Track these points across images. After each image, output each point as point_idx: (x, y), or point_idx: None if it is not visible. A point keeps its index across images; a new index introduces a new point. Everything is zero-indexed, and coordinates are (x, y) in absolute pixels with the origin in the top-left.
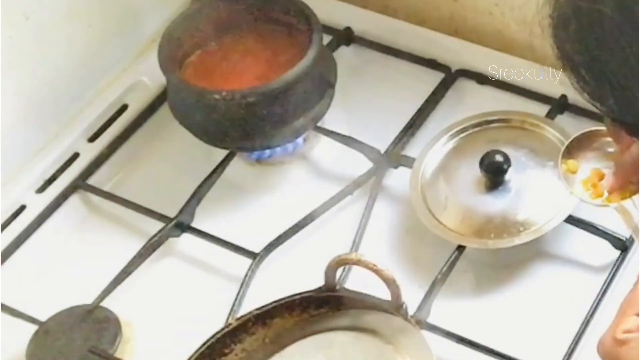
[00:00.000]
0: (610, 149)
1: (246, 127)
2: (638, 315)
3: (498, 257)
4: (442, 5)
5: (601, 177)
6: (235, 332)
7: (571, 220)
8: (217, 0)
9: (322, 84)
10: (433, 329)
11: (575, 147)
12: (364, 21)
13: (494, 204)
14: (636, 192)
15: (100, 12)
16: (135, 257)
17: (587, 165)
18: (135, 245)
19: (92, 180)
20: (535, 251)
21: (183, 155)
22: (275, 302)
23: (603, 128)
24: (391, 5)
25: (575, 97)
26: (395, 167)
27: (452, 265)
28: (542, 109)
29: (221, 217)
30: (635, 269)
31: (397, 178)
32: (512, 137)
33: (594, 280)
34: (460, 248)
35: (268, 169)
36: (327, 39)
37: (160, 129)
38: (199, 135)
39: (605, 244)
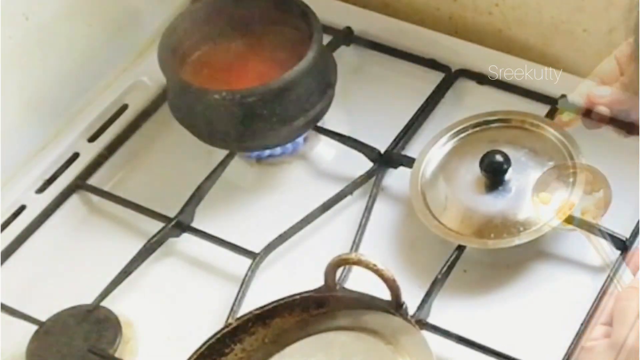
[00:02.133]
0: (571, 179)
1: (246, 127)
2: (603, 324)
3: (498, 257)
4: (442, 6)
5: (571, 206)
6: (235, 332)
7: (571, 220)
8: (217, 0)
9: (322, 84)
10: (433, 329)
11: (543, 181)
12: (364, 21)
13: (494, 204)
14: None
15: (100, 12)
16: (135, 257)
17: (558, 195)
18: (135, 245)
19: (92, 180)
20: (535, 251)
21: (183, 155)
22: (275, 302)
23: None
24: (391, 5)
25: (575, 97)
26: (395, 167)
27: (452, 265)
28: (542, 109)
29: (221, 217)
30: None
31: (397, 178)
32: (512, 137)
33: (594, 280)
34: (460, 248)
35: (268, 169)
36: (327, 39)
37: (160, 129)
38: (199, 135)
39: (605, 244)
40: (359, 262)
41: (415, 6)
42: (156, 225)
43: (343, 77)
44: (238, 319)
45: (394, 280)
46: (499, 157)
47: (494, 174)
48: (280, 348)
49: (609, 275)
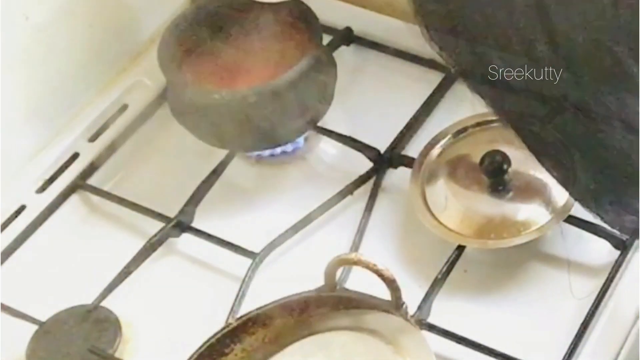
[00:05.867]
0: None
1: (246, 127)
2: None
3: (498, 257)
4: None
5: None
6: (235, 332)
7: (571, 220)
8: (217, 0)
9: (322, 84)
10: (433, 329)
11: None
12: (364, 21)
13: (494, 204)
14: None
15: (100, 12)
16: (135, 257)
17: None
18: (135, 245)
19: (92, 180)
20: (535, 251)
21: (183, 155)
22: (275, 302)
23: None
24: (391, 5)
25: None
26: (395, 167)
27: (452, 265)
28: None
29: (221, 217)
30: (636, 269)
31: (397, 178)
32: (512, 137)
33: (594, 280)
34: (460, 248)
35: (268, 169)
36: (327, 39)
37: (160, 129)
38: (199, 135)
39: (605, 244)
40: (359, 262)
41: None
42: (156, 225)
43: (343, 77)
44: (238, 319)
45: (394, 280)
46: (499, 157)
47: (494, 174)
48: (280, 348)
49: (608, 276)
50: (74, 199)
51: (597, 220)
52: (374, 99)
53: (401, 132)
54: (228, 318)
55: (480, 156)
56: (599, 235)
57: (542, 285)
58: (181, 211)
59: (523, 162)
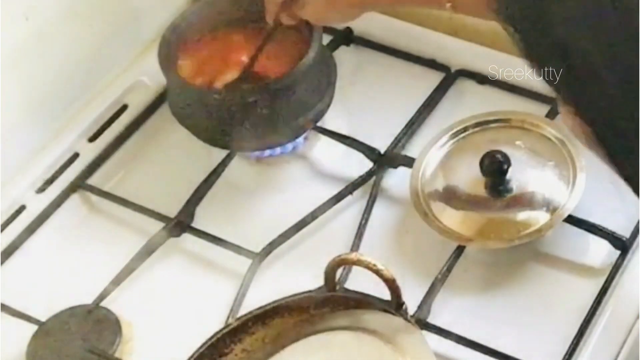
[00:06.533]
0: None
1: (246, 127)
2: None
3: (498, 257)
4: None
5: None
6: (235, 332)
7: (571, 220)
8: (217, 0)
9: (322, 84)
10: (433, 329)
11: None
12: (364, 21)
13: (494, 204)
14: None
15: (100, 12)
16: (135, 257)
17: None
18: (135, 245)
19: (92, 180)
20: (535, 251)
21: (183, 155)
22: (275, 302)
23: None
24: None
25: None
26: (395, 167)
27: (452, 265)
28: (542, 109)
29: (221, 217)
30: (636, 269)
31: (397, 178)
32: (512, 137)
33: (594, 280)
34: (460, 248)
35: (268, 169)
36: (327, 39)
37: (160, 129)
38: (199, 135)
39: (605, 244)
40: (359, 262)
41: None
42: (156, 225)
43: (343, 77)
44: (238, 319)
45: (393, 280)
46: (499, 157)
47: (494, 174)
48: (280, 348)
49: (608, 276)
50: (74, 199)
51: (597, 220)
52: (374, 99)
53: (401, 132)
54: (228, 318)
55: (480, 156)
56: (599, 235)
57: (542, 285)
58: (181, 211)
59: (523, 162)
